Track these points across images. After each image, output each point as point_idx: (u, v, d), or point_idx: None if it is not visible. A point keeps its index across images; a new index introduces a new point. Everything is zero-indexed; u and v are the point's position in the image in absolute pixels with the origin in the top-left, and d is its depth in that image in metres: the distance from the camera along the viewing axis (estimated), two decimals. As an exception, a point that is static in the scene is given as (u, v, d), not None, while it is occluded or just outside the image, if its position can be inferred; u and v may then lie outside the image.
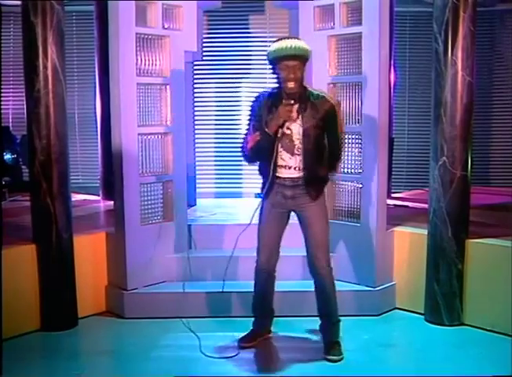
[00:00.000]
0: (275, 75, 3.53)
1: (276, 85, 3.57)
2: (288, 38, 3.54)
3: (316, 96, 3.53)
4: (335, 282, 3.73)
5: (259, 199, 3.73)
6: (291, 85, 3.45)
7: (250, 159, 3.67)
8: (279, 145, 3.52)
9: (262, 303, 3.88)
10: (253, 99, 3.67)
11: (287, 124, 3.50)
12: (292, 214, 3.72)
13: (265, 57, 3.54)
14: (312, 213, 3.61)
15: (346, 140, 4.45)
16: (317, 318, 3.84)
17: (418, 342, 4.04)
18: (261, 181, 3.69)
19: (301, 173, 3.56)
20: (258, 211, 3.71)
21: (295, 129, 3.52)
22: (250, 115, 3.67)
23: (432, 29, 4.14)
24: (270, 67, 3.54)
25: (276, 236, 3.72)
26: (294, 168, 3.56)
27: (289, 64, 3.42)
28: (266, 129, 3.47)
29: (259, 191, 3.75)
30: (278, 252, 3.75)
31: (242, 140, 3.67)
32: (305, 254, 3.69)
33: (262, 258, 3.74)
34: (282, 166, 3.56)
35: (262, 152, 3.53)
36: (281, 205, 3.64)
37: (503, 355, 3.63)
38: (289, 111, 3.45)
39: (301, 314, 4.21)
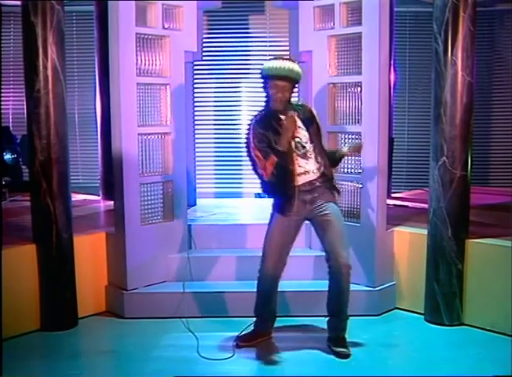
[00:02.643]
0: (264, 92, 3.66)
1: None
2: (283, 58, 3.64)
3: (299, 106, 3.75)
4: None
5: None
6: (276, 104, 3.60)
7: (273, 183, 3.58)
8: (294, 154, 3.60)
9: (266, 306, 3.89)
10: (247, 128, 3.69)
11: (296, 135, 3.62)
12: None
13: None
14: (333, 211, 3.67)
15: (346, 140, 4.46)
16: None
17: (418, 342, 4.04)
18: (276, 198, 3.70)
19: (317, 174, 3.66)
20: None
21: (301, 135, 3.64)
22: (248, 146, 3.66)
23: (432, 29, 4.14)
24: (262, 82, 3.65)
25: (287, 245, 3.73)
26: (313, 171, 3.65)
27: (279, 83, 3.57)
28: (279, 148, 3.51)
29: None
30: (285, 261, 3.76)
31: (255, 171, 3.65)
32: (324, 253, 3.70)
33: (269, 264, 3.74)
34: (300, 173, 3.63)
35: (283, 170, 3.54)
36: (299, 211, 3.65)
37: (503, 355, 3.63)
38: (294, 122, 3.55)
39: (302, 314, 4.21)
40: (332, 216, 3.66)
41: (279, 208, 3.67)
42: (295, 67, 3.60)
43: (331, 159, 3.77)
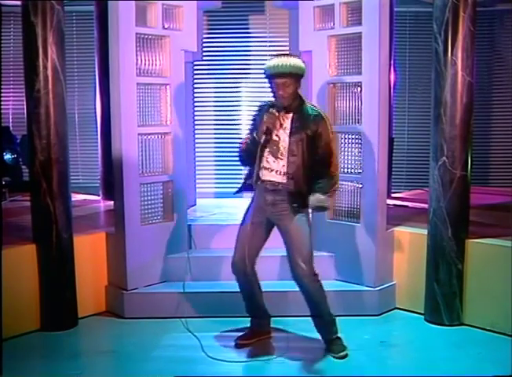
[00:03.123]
0: (272, 93, 3.67)
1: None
2: (284, 55, 3.64)
3: (311, 112, 3.63)
4: (323, 285, 3.71)
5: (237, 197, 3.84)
6: (281, 101, 3.60)
7: (241, 160, 3.80)
8: (267, 149, 3.63)
9: (250, 304, 3.91)
10: (256, 108, 3.81)
11: (275, 132, 3.61)
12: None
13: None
14: (291, 220, 3.63)
15: (346, 141, 4.46)
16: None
17: (418, 342, 4.04)
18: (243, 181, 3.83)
19: (281, 179, 3.61)
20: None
21: (282, 137, 3.63)
22: (251, 124, 3.81)
23: (432, 29, 4.14)
24: (269, 84, 3.67)
25: (253, 242, 3.71)
26: (276, 171, 3.63)
27: (278, 81, 3.57)
28: (254, 134, 3.64)
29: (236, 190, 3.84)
30: (254, 257, 3.74)
31: (239, 145, 3.79)
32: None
33: (235, 258, 3.76)
34: (266, 168, 3.65)
35: (249, 154, 3.67)
36: (262, 210, 3.69)
37: (503, 355, 3.63)
38: (271, 119, 3.57)
39: (301, 314, 4.21)
40: (291, 224, 3.62)
41: (240, 187, 3.79)
42: (293, 61, 3.56)
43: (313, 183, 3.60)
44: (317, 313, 3.76)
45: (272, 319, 4.02)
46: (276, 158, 3.62)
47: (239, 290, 3.84)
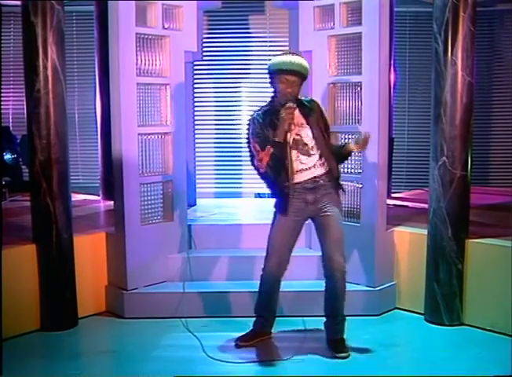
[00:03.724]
0: (271, 88, 3.66)
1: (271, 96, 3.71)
2: (292, 53, 3.68)
3: (308, 101, 3.70)
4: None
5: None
6: (284, 98, 3.56)
7: (269, 174, 3.58)
8: (295, 151, 3.59)
9: (267, 306, 3.90)
10: (248, 123, 3.70)
11: (295, 130, 3.59)
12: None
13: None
14: (333, 214, 3.65)
15: (346, 141, 4.46)
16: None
17: (418, 342, 4.04)
18: (275, 197, 3.71)
19: (320, 171, 3.62)
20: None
21: (304, 133, 3.62)
22: (248, 138, 3.68)
23: (432, 29, 4.14)
24: (269, 77, 3.65)
25: (289, 244, 3.73)
26: (314, 166, 3.63)
27: (289, 78, 3.56)
28: (276, 139, 3.52)
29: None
30: (288, 260, 3.76)
31: (252, 164, 3.67)
32: (321, 254, 3.71)
33: (272, 264, 3.74)
34: (302, 169, 3.62)
35: (279, 162, 3.54)
36: (300, 211, 3.65)
37: (503, 355, 3.63)
38: (291, 114, 3.51)
39: (302, 314, 4.21)
40: (333, 219, 3.65)
41: (278, 207, 3.67)
42: (304, 62, 3.61)
43: (338, 156, 3.73)
44: (334, 310, 3.74)
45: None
46: (310, 155, 3.61)
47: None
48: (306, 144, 3.62)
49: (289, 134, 3.54)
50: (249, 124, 3.68)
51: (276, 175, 3.58)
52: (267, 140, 3.53)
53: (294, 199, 3.62)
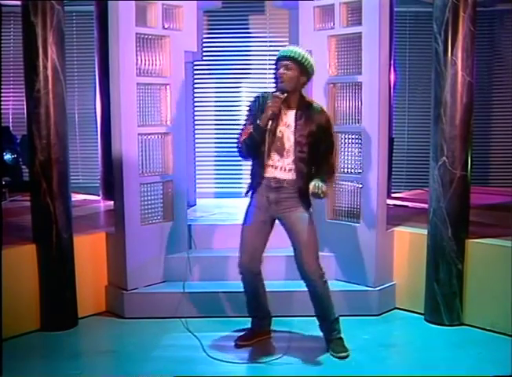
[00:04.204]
0: (274, 79, 3.65)
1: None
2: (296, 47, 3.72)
3: (313, 108, 3.66)
4: (329, 283, 3.73)
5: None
6: (283, 83, 3.55)
7: (242, 152, 3.68)
8: (271, 147, 3.59)
9: (255, 305, 3.90)
10: (252, 99, 3.74)
11: (281, 127, 3.59)
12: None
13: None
14: (298, 216, 3.63)
15: (346, 141, 4.46)
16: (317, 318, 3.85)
17: (418, 342, 4.04)
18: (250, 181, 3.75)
19: (287, 176, 3.60)
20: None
21: (286, 133, 3.61)
22: (247, 115, 3.75)
23: (432, 29, 4.14)
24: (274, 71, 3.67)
25: (259, 240, 3.71)
26: (281, 168, 3.61)
27: (283, 62, 3.59)
28: (258, 121, 3.56)
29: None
30: (260, 255, 3.74)
31: (237, 137, 3.72)
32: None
33: (243, 259, 3.75)
34: (270, 165, 3.62)
35: (253, 144, 3.58)
36: (265, 209, 3.67)
37: (503, 355, 3.63)
38: (276, 103, 3.53)
39: (302, 314, 4.21)
40: (297, 221, 3.62)
41: (249, 187, 3.71)
42: (300, 50, 3.61)
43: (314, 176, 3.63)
44: (322, 312, 3.76)
45: (273, 319, 4.02)
46: (282, 156, 3.61)
47: (242, 290, 3.83)
48: (283, 144, 3.60)
49: (270, 122, 3.54)
50: (251, 102, 3.73)
51: (250, 155, 3.65)
52: (254, 120, 3.59)
53: (258, 195, 3.66)
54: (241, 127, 3.73)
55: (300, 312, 4.22)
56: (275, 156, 3.61)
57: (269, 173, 3.63)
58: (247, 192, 3.75)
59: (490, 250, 4.12)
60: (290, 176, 3.60)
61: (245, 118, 3.75)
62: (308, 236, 3.63)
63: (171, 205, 4.61)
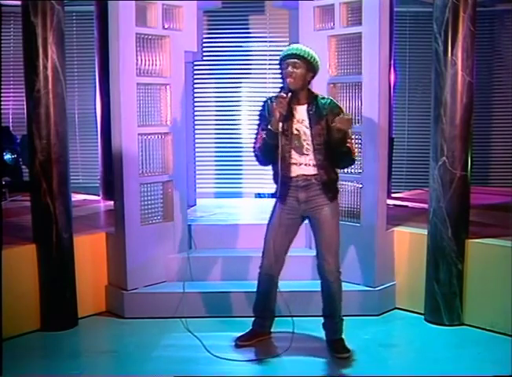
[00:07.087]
0: (281, 79, 3.65)
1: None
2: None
3: (324, 101, 3.64)
4: (342, 284, 3.76)
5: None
6: (289, 82, 3.55)
7: (260, 158, 3.69)
8: (288, 146, 3.58)
9: (264, 305, 3.90)
10: (261, 104, 3.75)
11: (296, 125, 3.59)
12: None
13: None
14: (326, 215, 3.64)
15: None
16: (317, 318, 3.85)
17: (418, 342, 4.04)
18: (274, 186, 3.71)
19: (313, 171, 3.60)
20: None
21: (302, 129, 3.61)
22: (258, 120, 3.74)
23: (432, 29, 4.14)
24: (280, 71, 3.66)
25: (284, 243, 3.73)
26: (305, 164, 3.61)
27: (289, 61, 3.58)
28: (269, 126, 3.55)
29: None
30: (283, 259, 3.77)
31: (253, 145, 3.72)
32: (315, 255, 3.72)
33: (266, 263, 3.75)
34: (293, 163, 3.62)
35: (268, 149, 3.58)
36: (294, 210, 3.66)
37: (503, 355, 3.63)
38: (281, 103, 3.51)
39: (301, 314, 4.21)
40: (325, 220, 3.64)
41: (277, 195, 3.67)
42: (306, 48, 3.61)
43: (334, 146, 3.57)
44: (330, 312, 3.76)
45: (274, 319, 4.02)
46: (302, 154, 3.60)
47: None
48: (301, 142, 3.60)
49: (281, 124, 3.53)
50: (261, 107, 3.73)
51: (267, 160, 3.64)
52: (266, 125, 3.59)
53: (287, 197, 3.65)
54: (254, 134, 3.72)
55: (301, 312, 4.22)
56: (295, 154, 3.61)
57: (295, 171, 3.62)
58: (278, 196, 3.67)
59: (490, 250, 4.12)
60: (315, 171, 3.61)
61: (257, 123, 3.75)
62: (332, 237, 3.65)
63: (171, 205, 4.61)
